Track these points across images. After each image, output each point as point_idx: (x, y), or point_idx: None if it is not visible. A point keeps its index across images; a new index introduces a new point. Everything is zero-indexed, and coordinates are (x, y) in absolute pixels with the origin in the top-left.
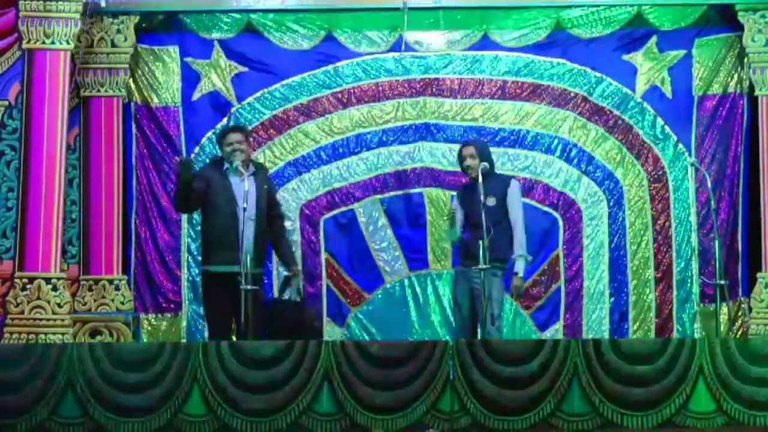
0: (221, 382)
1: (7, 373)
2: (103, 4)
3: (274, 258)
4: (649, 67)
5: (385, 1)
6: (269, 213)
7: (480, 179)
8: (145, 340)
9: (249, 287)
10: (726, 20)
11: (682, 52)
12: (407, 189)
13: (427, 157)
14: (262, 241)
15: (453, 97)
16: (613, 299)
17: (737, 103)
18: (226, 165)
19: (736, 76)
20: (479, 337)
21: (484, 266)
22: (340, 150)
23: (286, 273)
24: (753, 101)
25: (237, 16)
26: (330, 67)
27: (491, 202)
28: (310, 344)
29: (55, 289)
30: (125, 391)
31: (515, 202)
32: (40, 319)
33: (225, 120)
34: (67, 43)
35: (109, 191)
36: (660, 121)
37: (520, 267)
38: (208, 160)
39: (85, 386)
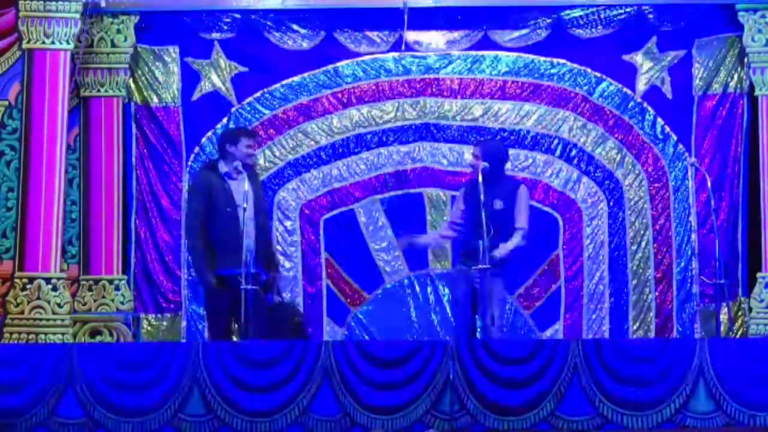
0: (221, 382)
1: (7, 373)
2: (103, 4)
3: None
4: (649, 67)
5: (385, 1)
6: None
7: (480, 179)
8: (145, 340)
9: (249, 287)
10: (726, 20)
11: (682, 52)
12: (407, 189)
13: (427, 157)
14: (261, 241)
15: (453, 97)
16: (613, 299)
17: (737, 103)
18: (227, 168)
19: (736, 76)
20: (479, 337)
21: (484, 266)
22: (340, 150)
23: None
24: (753, 101)
25: (237, 16)
26: (330, 67)
27: (498, 205)
28: (310, 344)
29: (55, 289)
30: (125, 391)
31: (521, 208)
32: (40, 319)
33: (225, 120)
34: (67, 43)
35: (109, 191)
36: (660, 121)
37: (499, 253)
38: (201, 165)
39: (85, 386)
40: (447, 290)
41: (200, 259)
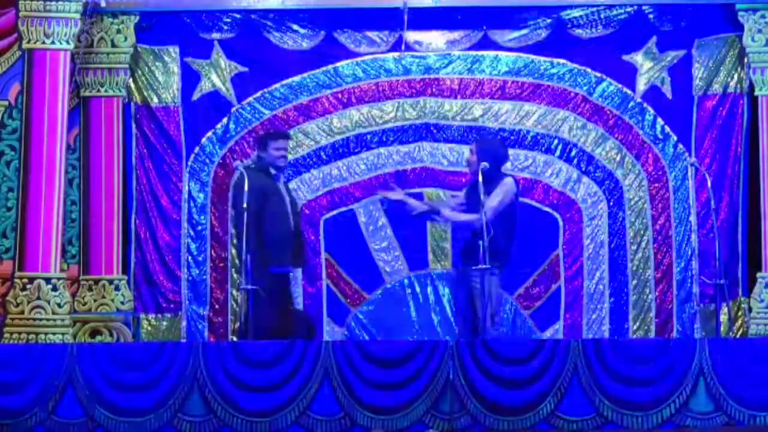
0: (221, 382)
1: (7, 373)
2: (103, 4)
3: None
4: (649, 67)
5: (385, 1)
6: None
7: (480, 179)
8: (145, 340)
9: (250, 287)
10: (726, 20)
11: (682, 52)
12: (407, 189)
13: (427, 157)
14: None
15: (453, 97)
16: (613, 299)
17: (737, 103)
18: (273, 169)
19: (736, 76)
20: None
21: (484, 266)
22: (340, 150)
23: None
24: (753, 101)
25: (237, 16)
26: (330, 67)
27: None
28: (310, 344)
29: (55, 289)
30: (125, 391)
31: (495, 195)
32: (40, 319)
33: (225, 120)
34: (67, 43)
35: (109, 191)
36: (660, 121)
37: (448, 212)
38: (249, 164)
39: (85, 386)
40: (447, 290)
41: (254, 257)
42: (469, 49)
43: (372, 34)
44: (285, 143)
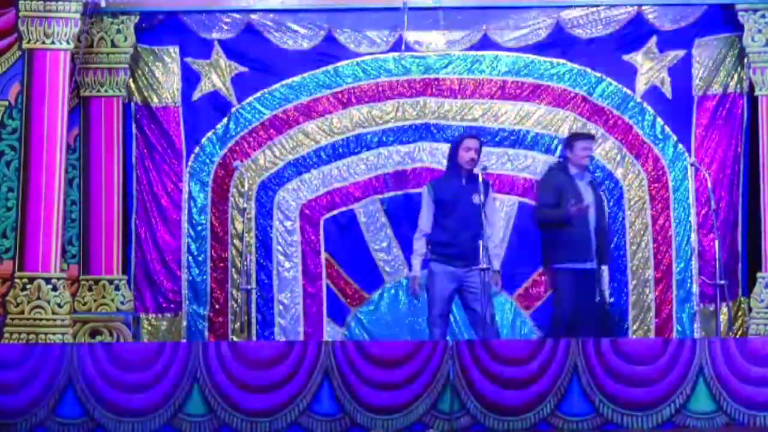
0: (221, 382)
1: (7, 373)
2: (103, 4)
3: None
4: (649, 67)
5: (385, 1)
6: None
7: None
8: (145, 340)
9: (251, 287)
10: (726, 20)
11: (682, 52)
12: (407, 189)
13: (427, 157)
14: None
15: (453, 97)
16: (613, 299)
17: (737, 103)
18: (575, 168)
19: (736, 76)
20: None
21: (484, 266)
22: (340, 150)
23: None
24: (753, 101)
25: (237, 16)
26: (330, 67)
27: (477, 199)
28: (310, 344)
29: (55, 289)
30: (125, 391)
31: (493, 200)
32: (40, 319)
33: (225, 120)
34: (67, 43)
35: (109, 191)
36: (660, 121)
37: (498, 264)
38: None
39: (85, 386)
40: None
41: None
42: (469, 49)
43: (372, 34)
44: (590, 143)
